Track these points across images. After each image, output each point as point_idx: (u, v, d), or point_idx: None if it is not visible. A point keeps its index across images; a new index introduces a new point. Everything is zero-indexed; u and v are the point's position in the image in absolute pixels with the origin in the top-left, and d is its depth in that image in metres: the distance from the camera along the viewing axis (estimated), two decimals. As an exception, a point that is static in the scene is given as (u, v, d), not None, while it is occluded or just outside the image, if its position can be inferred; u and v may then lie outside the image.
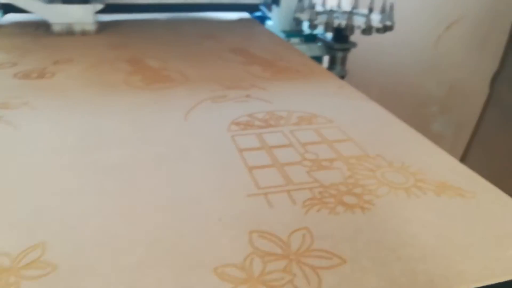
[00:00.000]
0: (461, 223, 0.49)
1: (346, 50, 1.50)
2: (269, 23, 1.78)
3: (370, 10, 1.45)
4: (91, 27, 1.31)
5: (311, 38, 1.59)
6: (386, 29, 1.39)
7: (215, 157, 0.62)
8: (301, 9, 1.49)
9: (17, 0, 1.23)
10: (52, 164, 0.59)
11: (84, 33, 1.30)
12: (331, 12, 1.34)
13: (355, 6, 1.56)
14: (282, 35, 1.60)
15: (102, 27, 1.39)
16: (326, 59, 1.62)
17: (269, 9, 1.77)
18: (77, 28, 1.30)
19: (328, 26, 1.35)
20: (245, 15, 1.72)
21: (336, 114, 0.79)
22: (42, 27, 1.38)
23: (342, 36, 1.45)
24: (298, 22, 1.50)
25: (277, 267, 0.42)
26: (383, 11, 1.39)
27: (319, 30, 1.51)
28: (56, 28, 1.29)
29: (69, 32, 1.30)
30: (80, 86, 0.89)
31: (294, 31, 1.62)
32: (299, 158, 0.63)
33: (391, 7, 1.41)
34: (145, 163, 0.60)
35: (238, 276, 0.41)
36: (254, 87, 0.92)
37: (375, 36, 1.40)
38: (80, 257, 0.42)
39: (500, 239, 0.47)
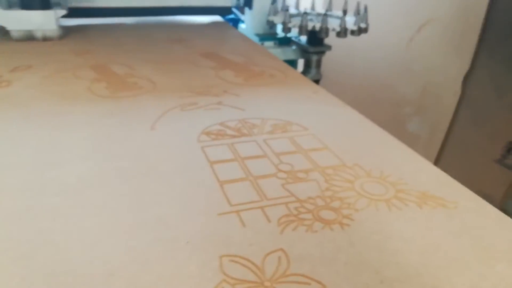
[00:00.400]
0: (445, 237, 0.47)
1: (321, 53, 1.48)
2: (242, 26, 1.74)
3: (344, 12, 1.43)
4: (53, 33, 1.24)
5: (285, 41, 1.57)
6: (360, 31, 1.37)
7: (184, 171, 0.58)
8: (274, 11, 1.46)
9: None
10: (1, 183, 0.53)
11: (46, 39, 1.23)
12: (305, 14, 1.31)
13: (328, 9, 1.54)
14: (255, 39, 1.56)
15: (66, 32, 1.33)
16: (301, 62, 1.60)
17: (242, 11, 1.74)
18: (38, 34, 1.23)
19: (302, 29, 1.32)
20: (217, 18, 1.68)
21: (311, 121, 0.75)
22: (2, 31, 1.31)
23: (316, 39, 1.42)
24: (272, 25, 1.47)
25: (250, 297, 0.38)
26: (357, 13, 1.38)
27: (293, 33, 1.48)
28: (14, 34, 1.21)
29: (29, 38, 1.22)
30: (39, 96, 0.82)
31: (268, 34, 1.59)
32: (273, 170, 0.59)
33: (365, 9, 1.40)
34: (107, 180, 0.55)
35: (207, 309, 0.36)
36: (226, 93, 0.88)
37: (349, 39, 1.38)
38: (27, 294, 0.37)
39: (486, 253, 0.44)
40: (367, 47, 1.98)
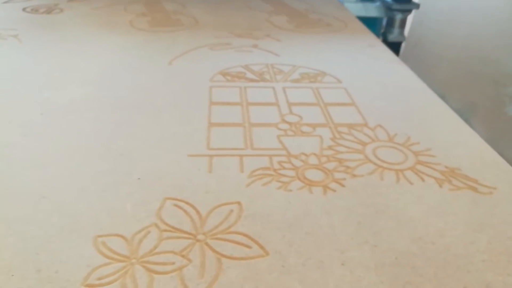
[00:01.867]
0: (458, 229, 0.35)
1: (406, 11, 1.29)
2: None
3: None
4: None
5: (369, -3, 1.40)
6: (457, -13, 1.16)
7: (178, 108, 0.52)
8: (358, -40, 1.30)
9: None
10: (8, 95, 0.53)
11: None
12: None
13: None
14: (336, -9, 1.42)
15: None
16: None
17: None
18: None
19: (384, -20, 1.15)
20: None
21: (350, 75, 0.64)
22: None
23: (403, -6, 1.24)
24: (354, -25, 1.31)
25: (174, 247, 0.32)
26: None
27: (377, -14, 1.31)
28: None
29: None
30: (80, 24, 0.82)
31: (351, -12, 1.43)
32: (276, 120, 0.51)
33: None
34: (96, 106, 0.52)
35: (119, 251, 0.31)
36: (267, 37, 0.79)
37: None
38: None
39: (506, 264, 0.32)
40: (469, 11, 1.69)
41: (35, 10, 0.88)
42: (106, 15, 0.88)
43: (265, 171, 0.41)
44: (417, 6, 1.27)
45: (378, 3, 1.37)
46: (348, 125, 0.50)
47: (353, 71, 0.65)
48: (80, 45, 0.71)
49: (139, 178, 0.39)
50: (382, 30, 1.39)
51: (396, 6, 1.27)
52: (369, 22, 1.39)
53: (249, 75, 0.62)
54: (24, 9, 0.88)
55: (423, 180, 0.40)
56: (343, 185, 0.39)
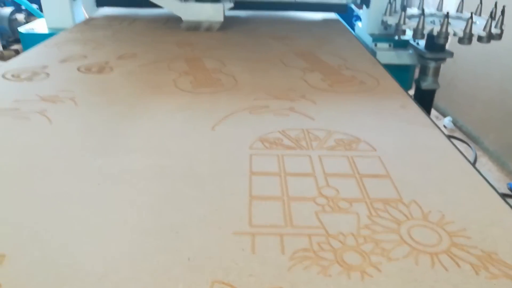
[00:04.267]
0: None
1: (440, 60, 1.31)
2: (359, 24, 1.64)
3: (473, 14, 1.23)
4: (218, 24, 1.34)
5: (401, 44, 1.42)
6: (491, 37, 1.17)
7: (221, 178, 0.56)
8: (390, 11, 1.33)
9: (158, 0, 1.31)
10: (51, 163, 0.58)
11: (210, 30, 1.34)
12: (422, 15, 1.16)
13: (459, 10, 1.35)
14: (369, 39, 1.46)
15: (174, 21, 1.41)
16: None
17: (359, 9, 1.64)
18: (204, 25, 1.34)
19: (417, 32, 1.17)
20: (331, 15, 1.61)
21: (384, 141, 0.66)
22: (126, 21, 1.45)
23: (435, 44, 1.26)
24: (386, 25, 1.35)
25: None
26: (492, 16, 1.17)
27: (409, 36, 1.34)
28: (183, 24, 1.35)
29: (195, 29, 1.34)
30: (129, 84, 0.89)
31: (383, 35, 1.46)
32: (314, 193, 0.53)
33: (502, 11, 1.18)
34: (143, 176, 0.56)
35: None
36: (303, 98, 0.83)
37: (484, 44, 1.18)
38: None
39: None
40: (505, 52, 1.68)
41: (88, 69, 0.96)
42: (152, 74, 0.95)
43: (305, 253, 0.43)
44: (451, 54, 1.29)
45: (411, 51, 1.39)
46: (383, 201, 0.52)
47: (387, 137, 0.68)
48: (129, 108, 0.77)
49: (189, 259, 0.42)
50: (415, 77, 1.40)
51: (429, 55, 1.29)
52: (402, 69, 1.41)
53: (286, 141, 0.66)
54: (78, 69, 0.96)
55: (458, 266, 0.42)
56: (379, 270, 0.41)
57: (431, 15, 1.34)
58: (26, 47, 1.43)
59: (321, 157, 0.62)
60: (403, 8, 1.27)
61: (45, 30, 1.45)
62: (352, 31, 1.52)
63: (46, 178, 0.55)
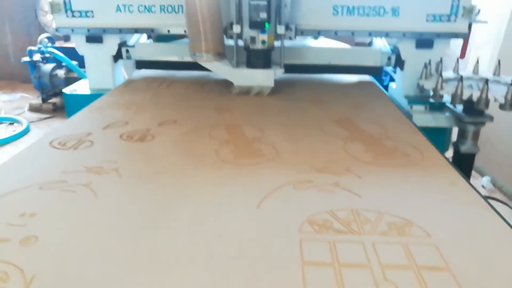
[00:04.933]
0: None
1: (479, 123, 1.28)
2: (392, 85, 1.65)
3: (513, 80, 1.22)
4: (268, 89, 1.37)
5: (437, 107, 1.40)
6: (533, 103, 1.14)
7: (272, 266, 0.54)
8: (426, 75, 1.34)
9: (210, 65, 1.36)
10: (101, 245, 0.58)
11: (260, 94, 1.37)
12: (461, 80, 1.16)
13: (496, 73, 1.34)
14: (404, 101, 1.45)
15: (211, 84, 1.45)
16: (455, 130, 1.42)
17: (394, 71, 1.65)
18: (255, 90, 1.38)
19: (456, 98, 1.16)
20: (365, 77, 1.62)
21: (438, 225, 0.63)
22: (165, 83, 1.50)
23: (474, 108, 1.24)
24: (422, 89, 1.35)
25: None
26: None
27: (444, 98, 1.33)
28: (235, 90, 1.39)
29: (246, 93, 1.38)
30: (172, 153, 0.90)
31: (418, 98, 1.46)
32: (372, 289, 0.51)
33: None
34: (200, 263, 0.55)
35: None
36: (347, 172, 0.81)
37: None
38: None
39: None
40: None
41: (130, 137, 0.98)
42: (194, 142, 0.96)
43: None
44: (491, 119, 1.26)
45: (448, 113, 1.37)
46: (448, 300, 0.48)
47: (440, 221, 0.65)
48: (173, 181, 0.77)
49: None
50: (452, 139, 1.37)
51: (468, 118, 1.27)
52: (438, 131, 1.39)
53: (336, 224, 0.64)
54: (121, 136, 0.98)
55: None
56: None
57: (468, 78, 1.33)
58: (69, 107, 1.50)
59: (375, 244, 0.59)
60: (439, 73, 1.27)
61: (87, 91, 1.52)
62: (386, 93, 1.52)
63: (93, 259, 0.55)
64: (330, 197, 0.72)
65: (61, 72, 3.39)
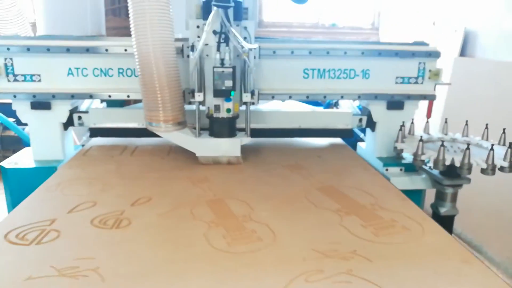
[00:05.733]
0: None
1: (457, 186, 1.28)
2: (361, 145, 1.64)
3: (493, 144, 1.23)
4: (236, 159, 1.28)
5: (412, 168, 1.40)
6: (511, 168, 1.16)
7: None
8: (402, 138, 1.33)
9: (169, 136, 1.24)
10: None
11: (230, 163, 1.28)
12: (442, 146, 1.15)
13: (465, 133, 1.37)
14: (377, 162, 1.44)
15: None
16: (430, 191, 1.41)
17: (363, 133, 1.65)
18: (223, 160, 1.28)
19: (438, 163, 1.16)
20: (336, 140, 1.60)
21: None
22: (126, 151, 1.37)
23: (453, 171, 1.24)
24: (399, 152, 1.34)
25: None
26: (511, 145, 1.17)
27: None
28: (202, 160, 1.28)
29: (215, 163, 1.28)
30: (155, 244, 0.78)
31: (392, 159, 1.45)
32: None
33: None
34: None
35: None
36: (356, 256, 0.74)
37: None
38: None
39: None
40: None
41: (103, 222, 0.85)
42: (177, 226, 0.85)
43: None
44: (468, 180, 1.26)
45: (424, 175, 1.37)
46: None
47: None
48: (164, 284, 0.65)
49: None
50: (431, 202, 1.36)
51: (447, 181, 1.26)
52: (413, 192, 1.38)
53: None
54: (91, 222, 0.85)
55: None
56: None
57: (444, 145, 1.33)
58: (9, 185, 1.27)
59: None
60: (419, 137, 1.26)
61: (30, 163, 1.31)
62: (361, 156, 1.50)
63: None
64: (346, 289, 0.64)
65: (-5, 131, 3.11)
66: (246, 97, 1.24)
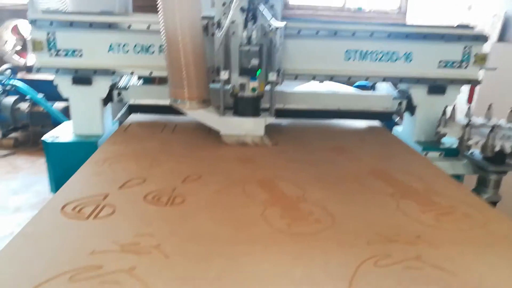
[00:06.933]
0: None
1: (502, 173, 1.26)
2: (397, 129, 1.61)
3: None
4: (261, 139, 1.26)
5: (453, 153, 1.38)
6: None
7: None
8: (445, 122, 1.31)
9: (193, 113, 1.23)
10: None
11: (256, 144, 1.26)
12: (492, 131, 1.12)
13: (510, 119, 1.33)
14: (416, 147, 1.41)
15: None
16: (470, 177, 1.39)
17: (401, 116, 1.62)
18: (248, 139, 1.26)
19: (487, 149, 1.13)
20: (374, 123, 1.58)
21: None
22: (167, 129, 1.37)
23: (499, 157, 1.22)
24: (441, 137, 1.32)
25: None
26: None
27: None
28: (226, 139, 1.26)
29: (240, 143, 1.26)
30: (213, 221, 0.77)
31: (432, 143, 1.43)
32: None
33: None
34: None
35: None
36: (421, 241, 0.73)
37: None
38: None
39: None
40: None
41: (157, 199, 0.85)
42: (232, 204, 0.84)
43: None
44: (513, 168, 1.24)
45: (465, 161, 1.34)
46: None
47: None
48: (228, 262, 0.65)
49: None
50: (472, 187, 1.34)
51: (491, 167, 1.24)
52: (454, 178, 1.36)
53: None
54: (145, 198, 0.85)
55: None
56: None
57: (496, 129, 1.30)
58: (50, 158, 1.29)
59: None
60: (468, 122, 1.23)
61: (69, 137, 1.33)
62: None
63: None
64: (420, 276, 0.63)
65: (24, 106, 3.13)
66: (272, 76, 1.20)
